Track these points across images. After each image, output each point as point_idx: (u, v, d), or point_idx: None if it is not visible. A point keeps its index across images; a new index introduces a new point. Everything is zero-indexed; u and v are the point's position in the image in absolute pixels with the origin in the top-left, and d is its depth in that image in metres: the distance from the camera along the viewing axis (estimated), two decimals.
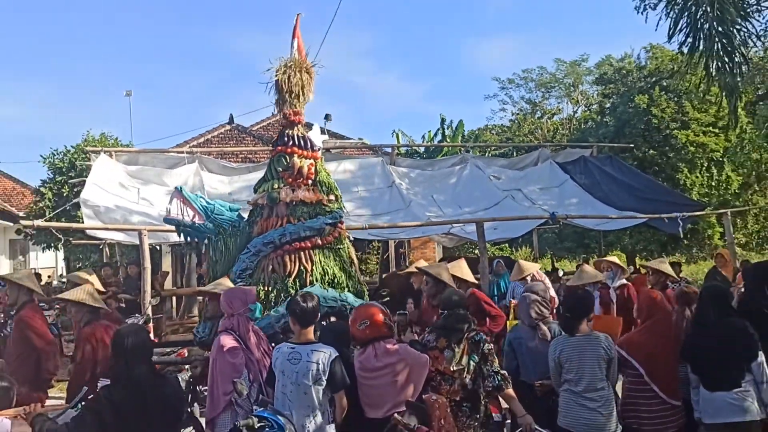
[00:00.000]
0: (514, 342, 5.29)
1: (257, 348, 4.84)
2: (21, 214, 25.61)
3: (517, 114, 39.17)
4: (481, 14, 73.46)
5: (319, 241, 6.41)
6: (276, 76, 6.64)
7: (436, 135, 28.77)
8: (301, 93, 6.68)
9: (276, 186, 6.53)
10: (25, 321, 5.63)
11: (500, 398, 4.89)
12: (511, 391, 4.61)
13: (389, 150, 14.96)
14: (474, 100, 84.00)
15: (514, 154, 19.14)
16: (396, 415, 4.03)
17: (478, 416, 4.55)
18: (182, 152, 12.80)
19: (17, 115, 74.49)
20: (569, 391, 4.68)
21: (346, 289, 6.38)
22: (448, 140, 27.19)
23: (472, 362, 4.55)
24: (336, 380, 4.25)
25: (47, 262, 29.49)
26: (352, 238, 7.08)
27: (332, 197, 6.70)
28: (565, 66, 37.45)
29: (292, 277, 6.24)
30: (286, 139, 6.66)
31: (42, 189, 19.21)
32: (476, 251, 16.57)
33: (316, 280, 6.23)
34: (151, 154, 12.60)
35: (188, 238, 6.80)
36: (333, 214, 6.58)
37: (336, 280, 6.35)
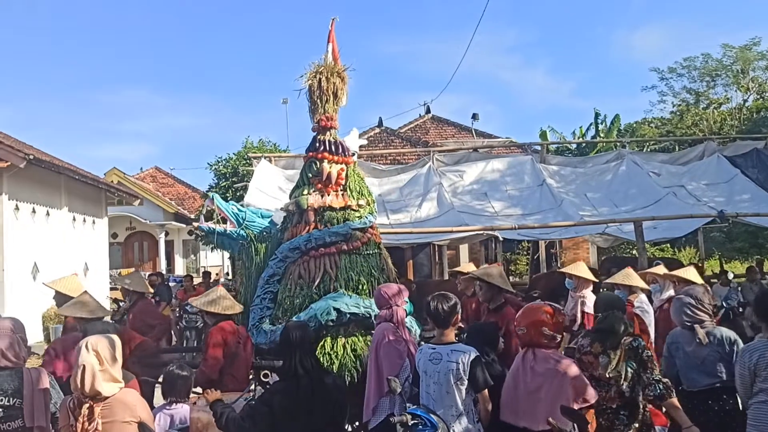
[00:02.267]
0: (671, 347, 4.95)
1: (410, 342, 4.94)
2: (192, 216, 27.90)
3: (679, 105, 36.61)
4: (633, 2, 69.67)
5: (345, 247, 6.24)
6: (308, 81, 6.51)
7: (588, 130, 27.70)
8: (333, 98, 6.52)
9: (305, 192, 6.45)
10: None
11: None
12: (674, 400, 4.33)
13: (539, 147, 14.62)
14: (630, 92, 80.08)
15: (676, 148, 17.92)
16: (551, 419, 3.92)
17: (636, 425, 4.32)
18: None
19: (190, 125, 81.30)
20: (766, 403, 4.14)
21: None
22: (602, 135, 26.08)
23: (629, 369, 4.32)
24: (477, 380, 4.22)
25: (215, 260, 31.85)
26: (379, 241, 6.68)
27: (362, 202, 6.53)
28: (734, 51, 34.44)
29: (316, 282, 6.09)
30: (317, 144, 6.53)
31: (209, 193, 20.74)
32: (634, 251, 15.76)
33: (341, 286, 6.05)
34: None
35: (221, 245, 6.88)
36: (362, 219, 6.41)
37: (361, 287, 6.12)
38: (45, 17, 76.24)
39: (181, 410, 4.79)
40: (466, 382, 4.21)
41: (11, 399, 3.87)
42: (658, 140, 25.81)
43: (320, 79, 6.48)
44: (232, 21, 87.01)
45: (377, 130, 21.63)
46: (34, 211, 14.38)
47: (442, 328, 4.46)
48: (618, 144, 15.63)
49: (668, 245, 23.66)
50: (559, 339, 4.25)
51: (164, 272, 24.55)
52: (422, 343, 5.10)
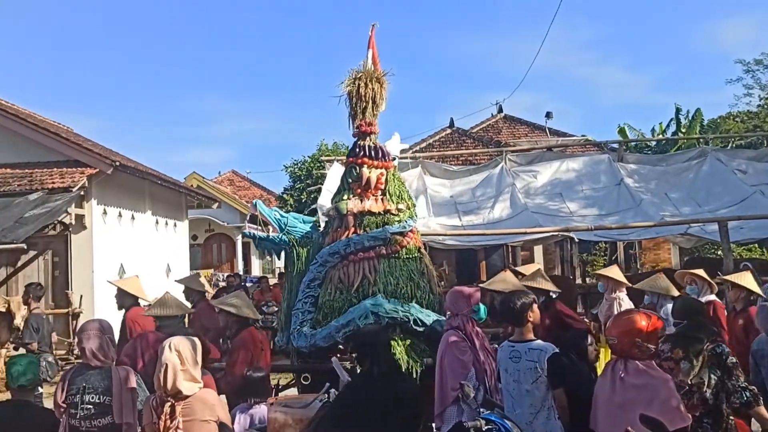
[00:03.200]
0: (756, 354, 4.76)
1: (482, 349, 4.92)
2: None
3: (767, 98, 34.81)
4: None
5: (384, 251, 6.26)
6: (347, 87, 6.57)
7: (668, 126, 26.73)
8: (372, 103, 6.55)
9: (345, 197, 6.51)
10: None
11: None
12: (762, 408, 4.16)
13: (616, 146, 14.23)
14: (713, 86, 76.79)
15: (764, 143, 17.03)
16: (629, 428, 3.79)
17: None
18: (406, 158, 13.28)
19: (268, 128, 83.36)
20: None
21: (413, 301, 6.11)
22: (683, 131, 25.11)
23: (713, 375, 4.16)
24: (553, 377, 4.22)
25: None
26: (426, 247, 6.81)
27: (402, 206, 6.53)
28: None
29: (355, 286, 6.14)
30: (357, 150, 6.60)
31: (284, 196, 21.21)
32: (719, 252, 15.14)
33: (380, 291, 6.07)
34: None
35: (266, 250, 7.03)
36: (401, 223, 6.42)
37: (399, 291, 6.11)
38: (128, 30, 79.89)
39: (261, 410, 4.93)
40: (545, 379, 4.25)
41: (102, 397, 4.09)
42: (744, 136, 24.53)
43: (359, 85, 6.57)
44: (312, 25, 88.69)
45: (448, 131, 21.52)
46: (120, 215, 15.06)
47: (518, 325, 4.51)
48: (700, 140, 15.02)
49: (756, 246, 22.53)
50: (653, 350, 3.99)
51: (241, 273, 25.22)
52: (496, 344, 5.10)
